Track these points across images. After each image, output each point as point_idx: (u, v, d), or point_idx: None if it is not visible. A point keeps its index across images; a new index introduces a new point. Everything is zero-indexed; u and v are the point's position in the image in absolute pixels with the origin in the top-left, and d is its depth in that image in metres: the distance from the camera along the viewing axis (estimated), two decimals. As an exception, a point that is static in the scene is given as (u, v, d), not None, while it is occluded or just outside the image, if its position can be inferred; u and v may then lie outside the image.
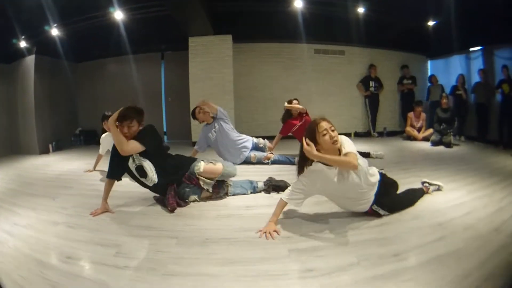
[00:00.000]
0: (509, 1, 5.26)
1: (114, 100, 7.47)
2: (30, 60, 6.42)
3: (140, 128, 2.71)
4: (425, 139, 6.64)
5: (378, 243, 2.01)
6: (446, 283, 1.55)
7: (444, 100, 6.44)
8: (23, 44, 6.19)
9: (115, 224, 2.45)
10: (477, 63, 7.02)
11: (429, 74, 8.40)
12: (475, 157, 5.09)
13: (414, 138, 6.84)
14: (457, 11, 5.84)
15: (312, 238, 2.10)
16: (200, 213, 2.62)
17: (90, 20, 6.16)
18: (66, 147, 7.22)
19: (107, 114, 3.96)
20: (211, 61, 6.54)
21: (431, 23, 6.96)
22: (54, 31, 6.10)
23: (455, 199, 2.80)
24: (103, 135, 4.26)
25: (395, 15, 6.60)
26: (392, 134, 7.91)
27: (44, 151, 6.55)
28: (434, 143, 6.18)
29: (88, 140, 7.70)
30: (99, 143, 7.21)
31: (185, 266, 1.78)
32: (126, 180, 3.87)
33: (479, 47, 6.95)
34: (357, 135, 5.51)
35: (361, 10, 6.25)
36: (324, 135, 2.12)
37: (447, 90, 7.22)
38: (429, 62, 8.63)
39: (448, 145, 6.00)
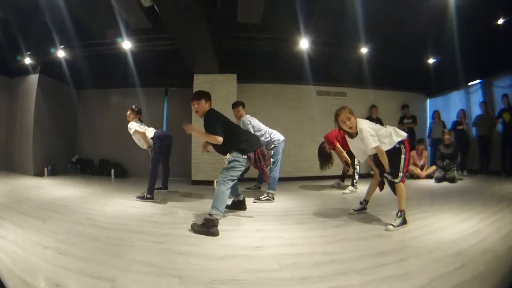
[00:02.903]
0: (503, 31, 5.49)
1: (114, 132, 7.38)
2: (34, 78, 6.46)
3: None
4: (429, 176, 6.62)
5: (400, 278, 1.90)
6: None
7: (447, 136, 6.46)
8: (27, 61, 6.23)
9: (109, 256, 2.22)
10: (477, 97, 7.18)
11: (428, 112, 8.55)
12: (480, 188, 5.22)
13: (417, 176, 6.77)
14: (455, 48, 5.99)
15: (331, 279, 1.91)
16: (204, 252, 2.37)
17: (97, 47, 6.26)
18: (61, 173, 7.00)
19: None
20: (215, 99, 6.40)
21: (431, 60, 7.20)
22: (60, 53, 6.14)
23: (468, 228, 2.85)
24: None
25: (396, 54, 6.84)
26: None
27: (39, 173, 6.39)
28: (438, 180, 6.14)
29: (84, 169, 7.46)
30: (94, 173, 7.11)
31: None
32: (118, 210, 3.69)
33: (478, 81, 7.14)
34: (359, 176, 5.52)
35: (364, 50, 6.40)
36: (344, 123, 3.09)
37: (448, 126, 7.33)
38: (428, 101, 8.77)
39: (452, 180, 5.96)
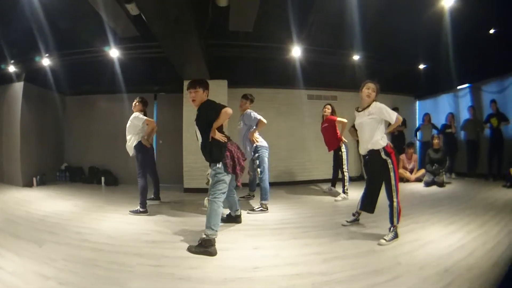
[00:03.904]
0: (494, 40, 5.73)
1: (103, 138, 7.32)
2: (19, 86, 6.34)
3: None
4: (418, 179, 6.85)
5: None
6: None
7: (436, 141, 6.65)
8: (12, 69, 6.13)
9: (111, 284, 2.27)
10: (465, 100, 7.42)
11: (417, 114, 8.80)
12: (469, 195, 5.38)
13: (406, 180, 6.98)
14: (447, 54, 6.15)
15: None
16: (205, 276, 2.44)
17: (83, 55, 6.17)
18: (50, 182, 6.95)
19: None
20: (205, 107, 6.50)
21: (421, 66, 7.44)
22: (45, 61, 6.05)
23: (456, 242, 3.01)
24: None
25: (387, 61, 7.00)
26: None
27: (28, 184, 6.33)
28: (427, 184, 6.34)
29: (73, 177, 7.39)
30: (84, 182, 7.01)
31: None
32: (113, 227, 3.72)
33: (466, 85, 7.37)
34: (349, 180, 5.69)
35: (356, 57, 6.52)
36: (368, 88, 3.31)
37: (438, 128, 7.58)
38: (417, 103, 8.98)
39: (441, 184, 6.18)
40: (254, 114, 4.70)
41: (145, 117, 4.62)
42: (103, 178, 7.21)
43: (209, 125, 3.18)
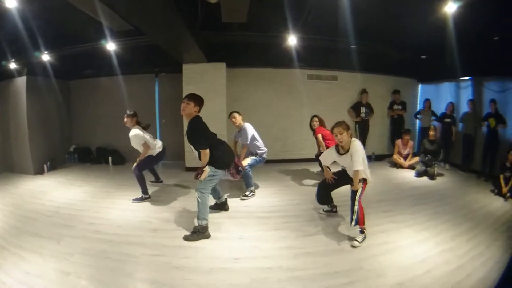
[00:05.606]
0: (499, 33, 5.71)
1: (107, 118, 7.86)
2: (21, 81, 6.70)
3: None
4: (411, 167, 7.18)
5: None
6: None
7: (432, 132, 6.87)
8: (13, 65, 6.49)
9: (121, 275, 2.91)
10: (467, 92, 7.50)
11: (419, 97, 8.96)
12: (455, 194, 5.50)
13: (400, 166, 7.38)
14: (450, 47, 6.10)
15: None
16: (196, 265, 3.08)
17: (81, 47, 6.55)
18: (60, 165, 7.62)
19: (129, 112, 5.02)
20: (205, 89, 6.68)
21: (423, 56, 7.57)
22: (45, 57, 6.46)
23: (421, 253, 3.26)
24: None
25: (389, 49, 7.13)
26: (380, 158, 8.48)
27: (39, 171, 6.89)
28: (418, 174, 6.63)
29: (82, 158, 8.11)
30: (93, 162, 7.99)
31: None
32: (121, 216, 4.38)
33: (469, 77, 7.42)
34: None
35: (353, 46, 6.69)
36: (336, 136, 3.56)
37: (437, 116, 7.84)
38: (419, 86, 9.10)
39: (432, 177, 6.44)
40: (247, 133, 5.19)
41: (142, 139, 5.00)
42: (110, 158, 7.92)
43: (195, 144, 3.68)
